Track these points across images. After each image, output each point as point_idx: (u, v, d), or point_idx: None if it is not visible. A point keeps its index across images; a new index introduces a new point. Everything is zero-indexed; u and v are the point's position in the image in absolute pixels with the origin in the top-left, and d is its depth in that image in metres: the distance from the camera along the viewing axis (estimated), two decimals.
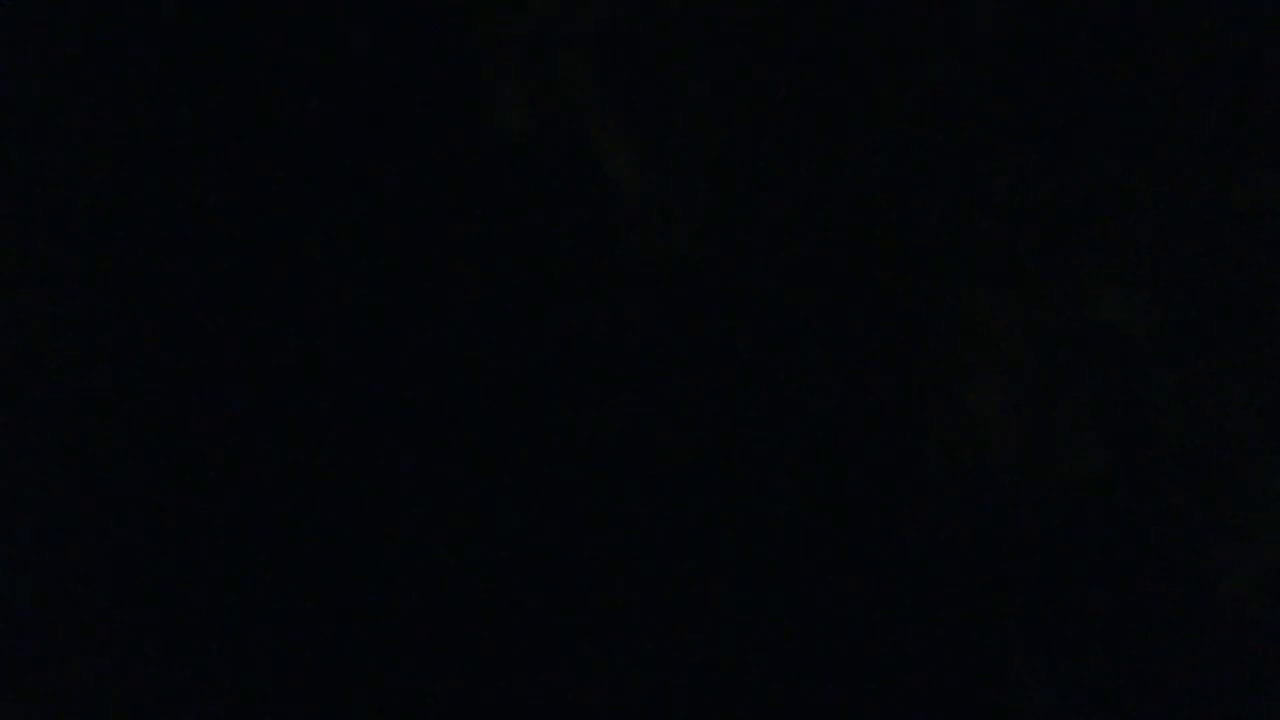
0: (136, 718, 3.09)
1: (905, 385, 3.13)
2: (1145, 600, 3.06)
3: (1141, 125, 3.12)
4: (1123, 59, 3.12)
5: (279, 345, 3.13)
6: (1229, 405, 3.08)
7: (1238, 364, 3.09)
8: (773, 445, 3.15)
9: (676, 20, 3.18)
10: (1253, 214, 3.12)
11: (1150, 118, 3.12)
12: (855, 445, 3.14)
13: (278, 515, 3.12)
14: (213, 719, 3.08)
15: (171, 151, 3.17)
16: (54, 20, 3.14)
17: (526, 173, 3.18)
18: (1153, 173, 3.12)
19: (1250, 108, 3.12)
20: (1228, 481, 3.06)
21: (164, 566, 3.11)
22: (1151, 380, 3.10)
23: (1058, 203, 3.14)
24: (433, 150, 3.20)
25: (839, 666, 3.09)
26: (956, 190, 3.16)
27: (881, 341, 3.16)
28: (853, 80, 3.17)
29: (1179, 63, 3.12)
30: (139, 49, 3.12)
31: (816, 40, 3.17)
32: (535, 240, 3.18)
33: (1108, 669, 3.08)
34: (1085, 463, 3.08)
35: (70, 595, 3.09)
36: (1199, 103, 3.12)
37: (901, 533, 3.10)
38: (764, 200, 3.19)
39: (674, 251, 3.18)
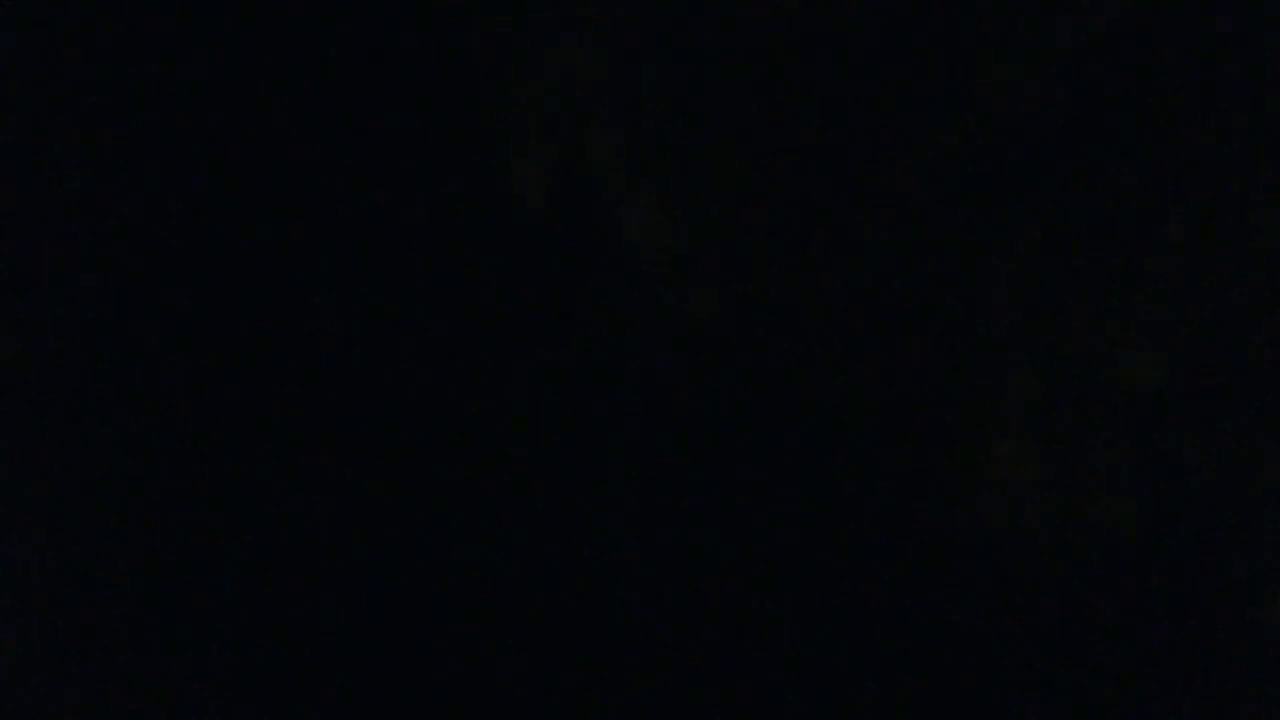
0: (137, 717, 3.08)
1: (934, 443, 3.11)
2: (1184, 649, 3.08)
3: (1161, 182, 3.11)
4: (1141, 117, 3.12)
5: (302, 415, 3.13)
6: (1255, 455, 3.08)
7: (1261, 414, 3.09)
8: (802, 504, 3.14)
9: (699, 85, 3.17)
10: (1273, 266, 3.09)
11: (1169, 176, 3.11)
12: (885, 502, 3.13)
13: (289, 520, 3.11)
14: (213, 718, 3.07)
15: (205, 213, 3.17)
16: (54, 22, 3.11)
17: (547, 238, 3.16)
18: (1173, 229, 3.11)
19: (1268, 163, 3.11)
20: (1259, 531, 3.06)
21: (163, 567, 3.10)
22: (1177, 433, 3.08)
23: (1080, 261, 3.13)
24: (454, 217, 3.19)
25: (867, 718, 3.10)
26: (981, 251, 3.14)
27: (910, 400, 3.14)
28: (876, 143, 3.17)
29: (1195, 118, 3.12)
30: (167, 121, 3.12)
31: (841, 105, 3.17)
32: (557, 305, 3.16)
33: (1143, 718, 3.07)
34: (1115, 516, 3.07)
35: (72, 596, 3.08)
36: (1216, 159, 3.11)
37: (933, 588, 3.09)
38: (788, 263, 3.17)
39: (697, 314, 3.16)
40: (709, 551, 3.15)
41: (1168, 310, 3.11)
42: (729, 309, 3.19)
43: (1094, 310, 3.13)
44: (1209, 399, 3.10)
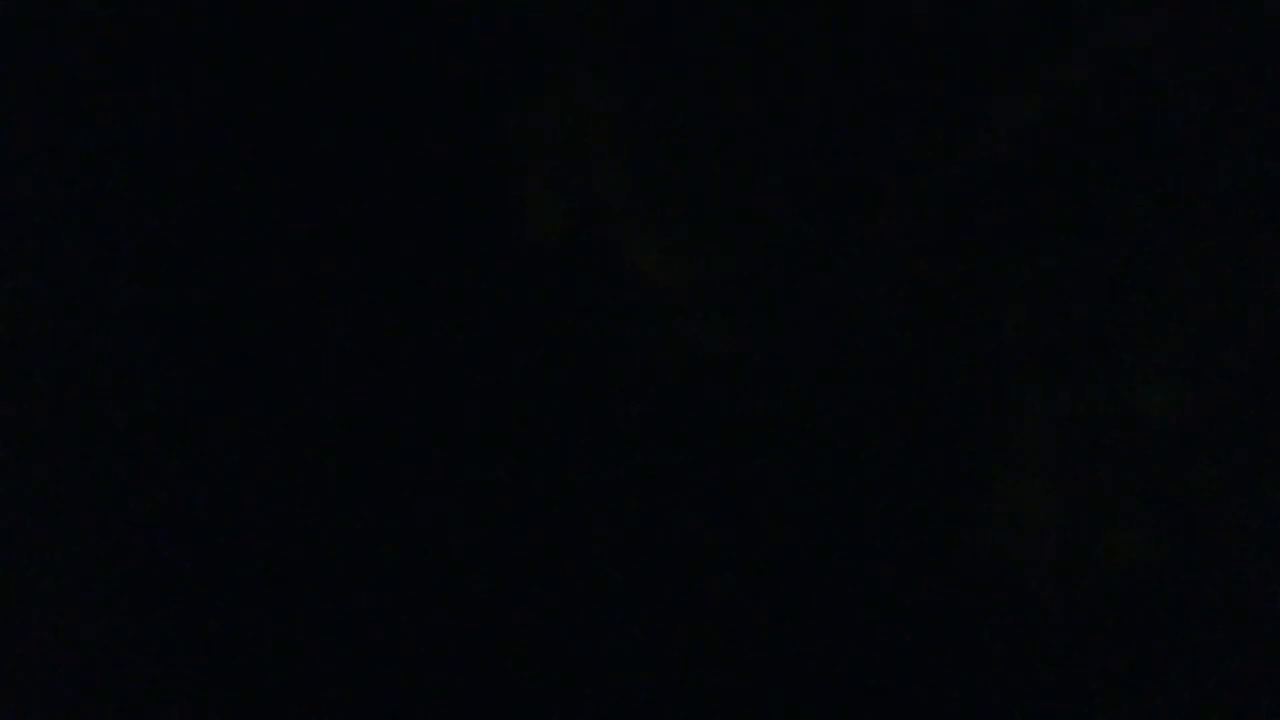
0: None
1: (946, 478, 3.10)
2: (1200, 684, 3.04)
3: (1174, 215, 3.09)
4: (1154, 149, 3.09)
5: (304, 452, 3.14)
6: (1271, 490, 3.02)
7: (1278, 448, 3.03)
8: (812, 536, 3.14)
9: (710, 120, 3.16)
10: None
11: (1183, 208, 3.08)
12: (897, 535, 3.12)
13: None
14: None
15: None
16: (63, 24, 3.12)
17: (560, 271, 3.17)
18: (1188, 261, 3.08)
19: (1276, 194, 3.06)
20: (1273, 566, 3.01)
21: (158, 570, 3.12)
22: (1194, 466, 3.05)
23: (1094, 294, 3.11)
24: (467, 251, 3.19)
25: None
26: (995, 281, 3.13)
27: (922, 435, 3.13)
28: (887, 175, 3.15)
29: (1211, 151, 3.08)
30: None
31: (851, 138, 3.16)
32: (568, 338, 3.17)
33: None
34: (1128, 552, 3.05)
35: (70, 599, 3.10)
36: (1229, 191, 3.07)
37: (946, 620, 3.08)
38: (799, 295, 3.16)
39: (707, 346, 3.16)
40: (718, 581, 3.15)
41: (1185, 342, 3.08)
42: (739, 341, 3.20)
43: (1110, 342, 3.10)
44: (1228, 431, 3.06)
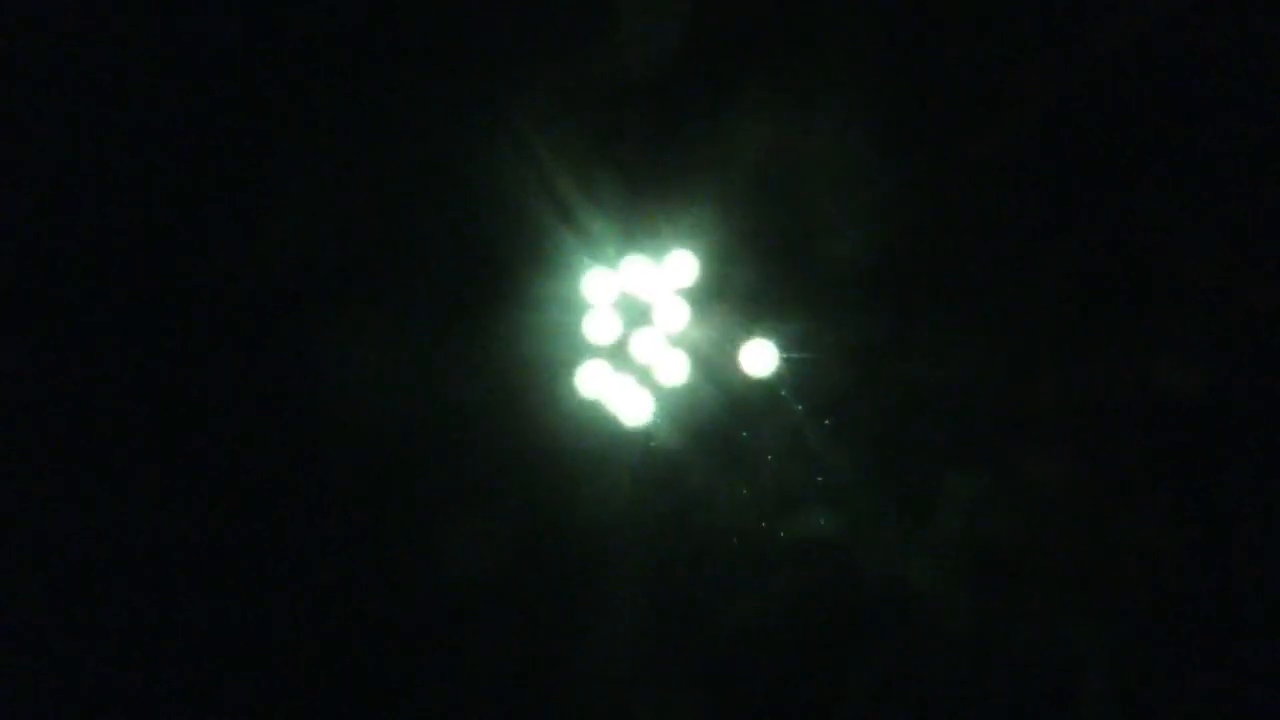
0: None
1: (965, 456, 3.08)
2: (1220, 668, 2.97)
3: (1195, 195, 3.08)
4: (1175, 131, 3.08)
5: None
6: None
7: None
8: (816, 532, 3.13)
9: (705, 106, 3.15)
10: None
11: (1202, 188, 3.07)
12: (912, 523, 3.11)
13: None
14: None
15: None
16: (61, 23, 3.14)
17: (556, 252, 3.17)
18: (1209, 242, 3.07)
19: None
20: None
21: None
22: (1213, 445, 3.02)
23: (1116, 272, 3.09)
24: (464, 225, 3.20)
25: None
26: (1016, 260, 3.11)
27: (936, 406, 3.12)
28: (912, 145, 3.14)
29: (1236, 126, 3.07)
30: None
31: (880, 114, 3.15)
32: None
33: None
34: (1147, 528, 3.02)
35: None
36: (1249, 169, 3.06)
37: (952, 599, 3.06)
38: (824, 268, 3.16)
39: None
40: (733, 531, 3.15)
41: (1205, 322, 3.06)
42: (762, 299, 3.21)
43: (1129, 319, 3.09)
44: (1246, 411, 3.03)
